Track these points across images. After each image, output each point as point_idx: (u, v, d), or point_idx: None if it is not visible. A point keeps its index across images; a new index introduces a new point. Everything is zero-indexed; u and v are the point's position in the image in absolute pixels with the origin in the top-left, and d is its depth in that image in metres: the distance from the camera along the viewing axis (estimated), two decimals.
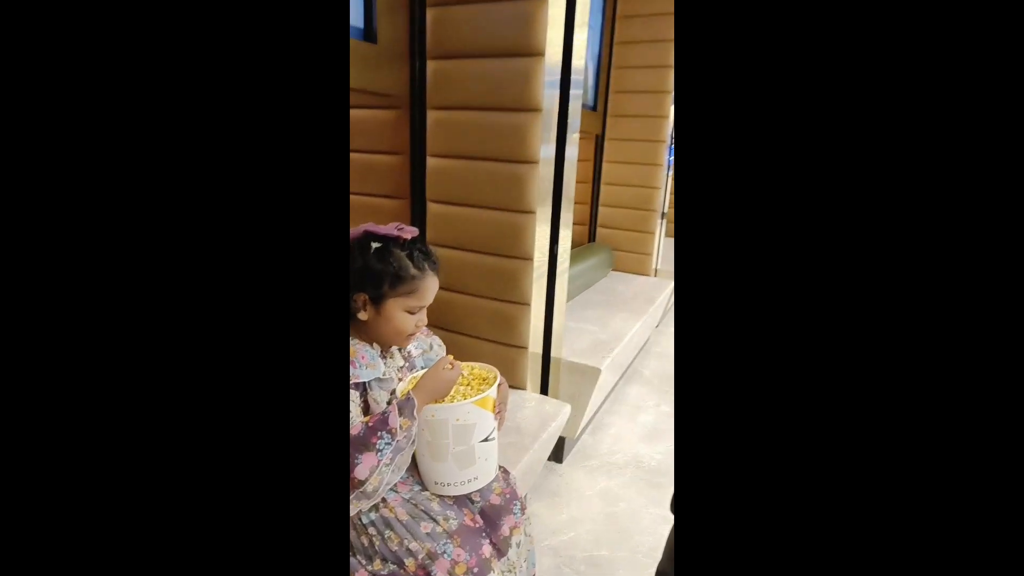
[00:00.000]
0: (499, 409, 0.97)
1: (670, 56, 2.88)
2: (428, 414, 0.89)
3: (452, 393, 0.95)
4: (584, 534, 1.58)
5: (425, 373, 0.93)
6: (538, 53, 1.35)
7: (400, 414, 0.85)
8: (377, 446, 0.83)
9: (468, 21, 1.42)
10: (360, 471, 0.82)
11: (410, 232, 0.96)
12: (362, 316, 0.95)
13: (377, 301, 0.94)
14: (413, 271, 0.93)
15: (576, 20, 1.41)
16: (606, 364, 1.88)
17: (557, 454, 1.90)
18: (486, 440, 0.94)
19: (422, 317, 0.98)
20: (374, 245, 0.94)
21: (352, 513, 0.91)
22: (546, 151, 1.44)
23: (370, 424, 0.84)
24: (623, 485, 1.81)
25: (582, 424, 1.91)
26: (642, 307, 2.55)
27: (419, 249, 0.96)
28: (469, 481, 0.95)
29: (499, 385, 0.97)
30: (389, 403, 0.91)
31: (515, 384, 1.65)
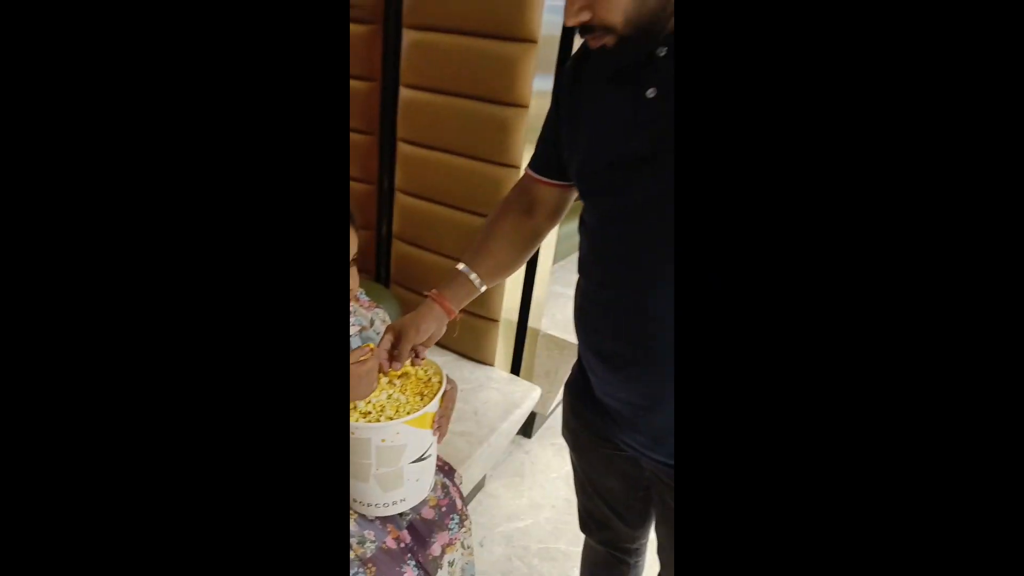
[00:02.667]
0: (439, 424, 0.79)
1: None
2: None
3: (379, 396, 0.76)
4: (543, 523, 1.47)
5: None
6: None
7: None
8: None
9: None
10: None
11: None
12: None
13: None
14: None
15: None
16: None
17: (526, 429, 1.76)
18: (419, 460, 0.78)
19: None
20: None
21: None
22: (542, 90, 1.19)
23: None
24: None
25: (556, 399, 1.76)
26: None
27: None
28: (395, 503, 0.79)
29: (443, 395, 0.79)
30: None
31: (482, 359, 1.48)
